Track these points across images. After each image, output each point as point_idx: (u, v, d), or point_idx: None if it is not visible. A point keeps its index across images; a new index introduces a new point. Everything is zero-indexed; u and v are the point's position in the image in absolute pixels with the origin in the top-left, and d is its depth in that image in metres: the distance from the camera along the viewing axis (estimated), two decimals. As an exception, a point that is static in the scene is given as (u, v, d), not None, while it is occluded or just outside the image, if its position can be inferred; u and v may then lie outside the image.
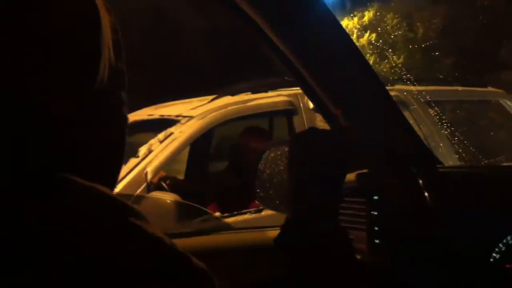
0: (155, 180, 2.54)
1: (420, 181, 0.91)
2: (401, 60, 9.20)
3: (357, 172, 0.99)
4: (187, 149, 3.27)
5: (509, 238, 0.85)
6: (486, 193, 0.93)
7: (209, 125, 2.76)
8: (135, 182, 2.38)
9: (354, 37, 9.41)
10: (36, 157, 0.42)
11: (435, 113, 3.54)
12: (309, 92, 1.02)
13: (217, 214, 2.33)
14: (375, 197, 0.94)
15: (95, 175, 0.43)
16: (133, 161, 2.46)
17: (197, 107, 2.88)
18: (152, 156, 2.49)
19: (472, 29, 8.60)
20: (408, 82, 3.79)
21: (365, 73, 0.96)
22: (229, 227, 1.81)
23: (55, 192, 0.40)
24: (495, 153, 4.52)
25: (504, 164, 3.55)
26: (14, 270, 0.35)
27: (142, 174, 2.41)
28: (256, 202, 0.94)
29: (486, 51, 8.39)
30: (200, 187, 3.03)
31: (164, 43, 8.71)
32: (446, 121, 4.03)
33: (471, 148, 4.33)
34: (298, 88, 1.83)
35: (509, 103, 4.02)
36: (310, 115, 2.96)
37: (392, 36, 9.48)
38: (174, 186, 2.64)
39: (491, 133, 6.06)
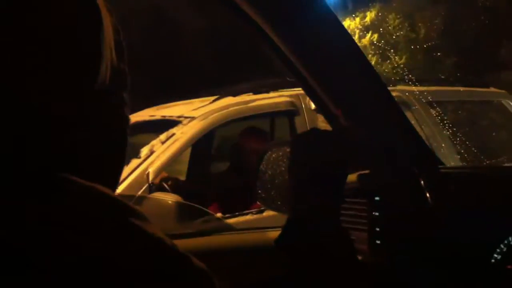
0: (157, 181, 2.54)
1: (422, 182, 0.91)
2: (403, 60, 9.18)
3: (358, 173, 0.99)
4: (189, 150, 3.27)
5: (510, 239, 0.85)
6: (487, 194, 0.93)
7: (211, 126, 2.76)
8: (137, 183, 2.38)
9: (356, 37, 9.38)
10: (36, 157, 0.42)
11: (437, 114, 3.53)
12: (310, 92, 1.02)
13: (219, 215, 2.33)
14: (376, 198, 0.94)
15: (96, 176, 0.43)
16: (135, 162, 2.46)
17: (198, 107, 2.88)
18: (154, 157, 2.49)
19: (472, 29, 8.59)
20: (410, 83, 3.78)
21: (366, 73, 0.95)
22: (230, 228, 1.81)
23: (55, 192, 0.40)
24: (497, 154, 4.51)
25: (506, 164, 3.55)
26: (14, 270, 0.35)
27: (144, 175, 2.41)
28: (258, 203, 0.94)
29: (486, 51, 8.38)
30: (201, 188, 3.02)
31: (164, 43, 8.69)
32: (448, 121, 4.02)
33: (473, 148, 4.32)
34: (300, 88, 1.82)
35: (511, 103, 4.01)
36: (312, 116, 2.95)
37: (394, 37, 9.47)
38: (175, 187, 2.65)
39: (493, 134, 6.04)
